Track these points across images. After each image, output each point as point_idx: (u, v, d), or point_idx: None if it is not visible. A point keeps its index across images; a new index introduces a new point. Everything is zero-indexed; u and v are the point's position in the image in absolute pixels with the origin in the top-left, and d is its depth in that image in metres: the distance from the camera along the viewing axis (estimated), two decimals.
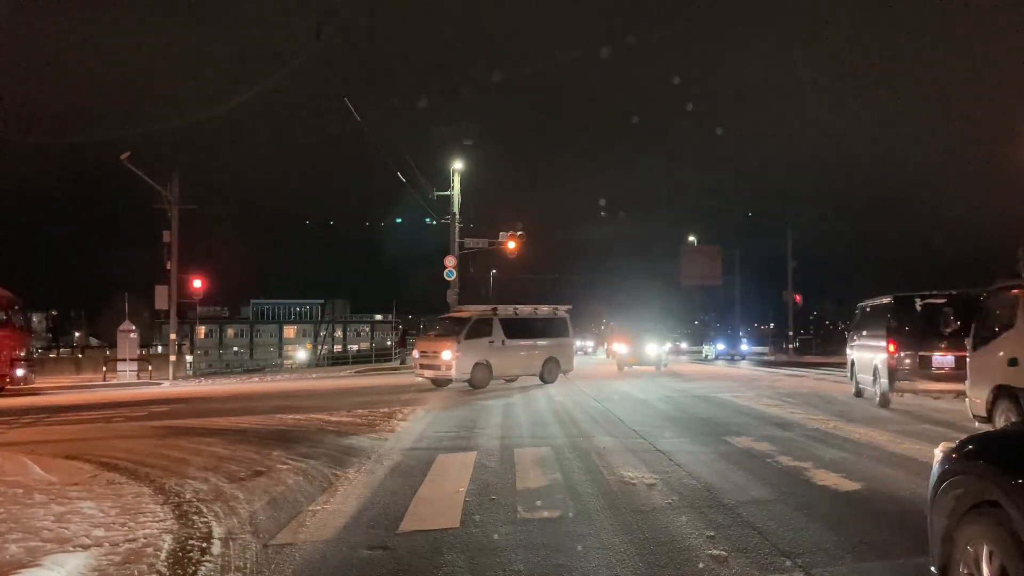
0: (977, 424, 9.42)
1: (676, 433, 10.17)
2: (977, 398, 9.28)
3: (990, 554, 2.92)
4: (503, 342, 18.98)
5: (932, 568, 3.42)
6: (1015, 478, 2.82)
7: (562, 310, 21.35)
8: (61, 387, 23.17)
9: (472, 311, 19.91)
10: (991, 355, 9.03)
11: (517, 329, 19.56)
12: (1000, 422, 8.95)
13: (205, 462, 8.08)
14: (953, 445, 3.47)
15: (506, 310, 19.98)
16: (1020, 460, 2.92)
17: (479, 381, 18.25)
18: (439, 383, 18.76)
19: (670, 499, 6.16)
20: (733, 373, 26.32)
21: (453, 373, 18.07)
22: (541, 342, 20.04)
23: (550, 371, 19.98)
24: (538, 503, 6.11)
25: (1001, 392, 8.83)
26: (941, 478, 3.36)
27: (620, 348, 27.63)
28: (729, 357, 40.55)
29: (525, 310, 20.64)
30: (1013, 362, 8.39)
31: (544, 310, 21.16)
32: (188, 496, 6.42)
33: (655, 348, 26.29)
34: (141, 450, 8.99)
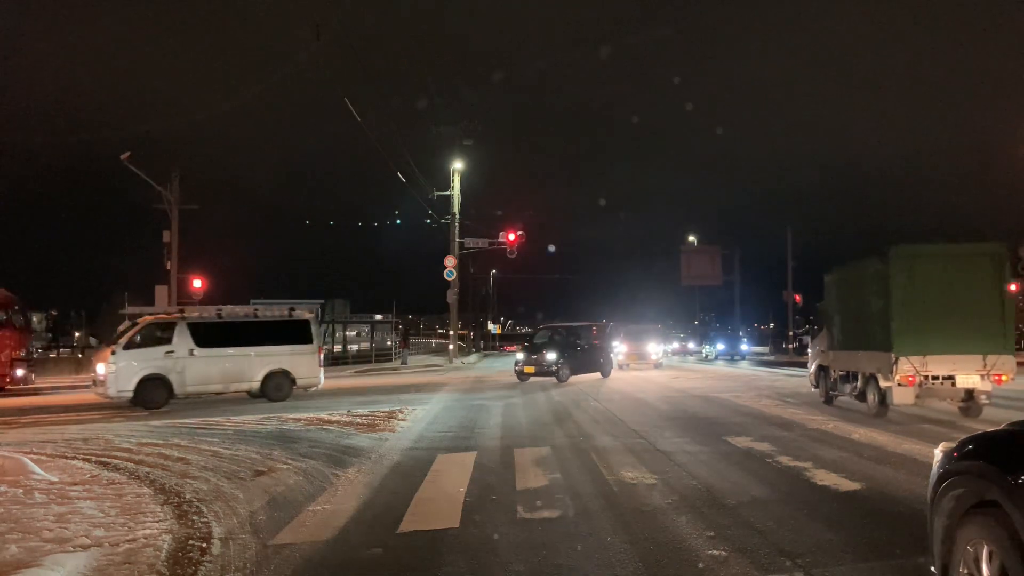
0: (812, 389, 14.73)
1: (676, 433, 10.17)
2: (811, 373, 14.85)
3: (990, 554, 2.92)
4: (192, 351, 15.57)
5: (932, 568, 3.41)
6: (1015, 478, 2.82)
7: (303, 311, 17.64)
8: (61, 387, 23.16)
9: (150, 317, 16.68)
10: (817, 345, 14.49)
11: (221, 335, 16.21)
12: (820, 387, 14.23)
13: (205, 462, 8.08)
14: (953, 445, 3.47)
15: (203, 311, 17.00)
16: (1020, 460, 2.92)
17: (151, 400, 15.03)
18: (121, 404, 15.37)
19: (670, 499, 6.15)
20: (733, 373, 26.31)
21: (109, 390, 14.94)
22: (264, 351, 16.47)
23: (278, 386, 16.44)
24: (538, 503, 6.11)
25: (820, 369, 14.29)
26: (941, 478, 3.36)
27: (518, 355, 23.41)
28: (729, 357, 40.53)
29: (235, 311, 17.30)
30: (806, 349, 13.92)
31: (271, 312, 17.66)
32: (188, 496, 6.42)
33: (555, 354, 21.41)
34: (141, 450, 8.99)
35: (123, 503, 6.08)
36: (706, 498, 6.19)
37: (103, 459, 8.31)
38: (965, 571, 3.11)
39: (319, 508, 6.09)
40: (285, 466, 7.84)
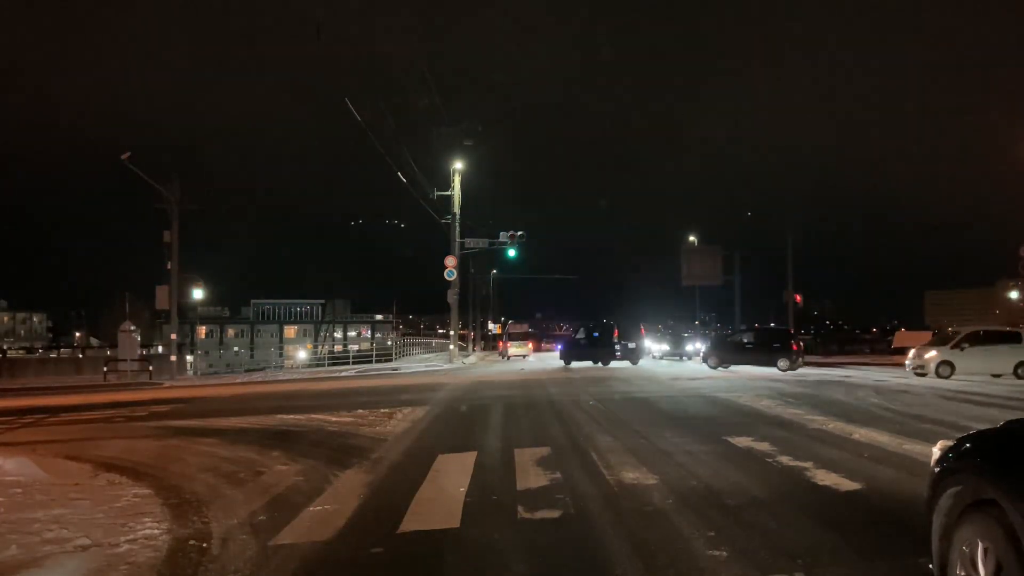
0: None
1: (676, 433, 10.16)
2: None
3: (986, 551, 2.92)
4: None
5: (930, 566, 3.42)
6: (1012, 476, 2.82)
7: None
8: (61, 387, 23.18)
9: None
10: None
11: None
12: None
13: (205, 462, 8.09)
14: (951, 443, 3.47)
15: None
16: (1017, 458, 2.92)
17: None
18: None
19: (670, 499, 6.15)
20: (733, 373, 26.29)
21: None
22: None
23: None
24: (539, 503, 6.10)
25: None
26: (939, 477, 3.36)
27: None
28: None
29: None
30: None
31: None
32: (188, 496, 6.43)
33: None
34: (141, 450, 9.00)
35: (123, 503, 6.09)
36: (706, 498, 6.18)
37: (103, 459, 8.33)
38: (962, 571, 3.11)
39: (319, 508, 6.09)
40: (285, 466, 7.85)
